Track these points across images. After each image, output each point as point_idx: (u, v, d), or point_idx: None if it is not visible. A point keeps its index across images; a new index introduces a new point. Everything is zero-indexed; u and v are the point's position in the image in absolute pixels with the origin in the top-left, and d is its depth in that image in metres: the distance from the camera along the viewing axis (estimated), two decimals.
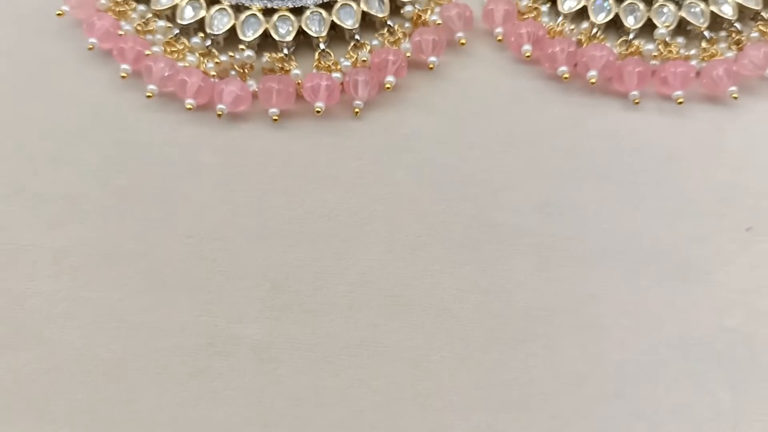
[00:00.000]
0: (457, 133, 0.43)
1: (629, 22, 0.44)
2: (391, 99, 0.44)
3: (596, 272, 0.39)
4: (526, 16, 0.45)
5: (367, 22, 0.45)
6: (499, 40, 0.44)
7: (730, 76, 0.43)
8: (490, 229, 0.40)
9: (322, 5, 0.44)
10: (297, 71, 0.43)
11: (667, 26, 0.44)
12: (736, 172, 0.42)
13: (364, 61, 0.43)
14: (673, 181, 0.42)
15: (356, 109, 0.43)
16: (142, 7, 0.45)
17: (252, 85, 0.43)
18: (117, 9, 0.44)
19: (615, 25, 0.45)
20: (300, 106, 0.43)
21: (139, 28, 0.44)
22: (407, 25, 0.45)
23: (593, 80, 0.43)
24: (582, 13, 0.45)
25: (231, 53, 0.43)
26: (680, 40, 0.45)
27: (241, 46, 0.43)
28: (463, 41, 0.44)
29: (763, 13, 0.45)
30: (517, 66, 0.45)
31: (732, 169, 0.42)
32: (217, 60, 0.43)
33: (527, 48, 0.43)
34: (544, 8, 0.45)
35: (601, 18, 0.44)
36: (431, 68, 0.43)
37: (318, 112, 0.42)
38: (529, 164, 0.42)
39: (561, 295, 0.39)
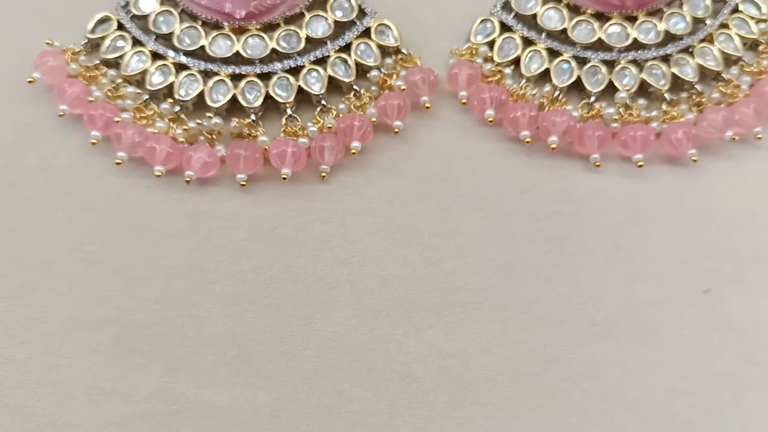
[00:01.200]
0: (422, 196, 0.43)
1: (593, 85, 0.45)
2: (357, 162, 0.44)
3: (556, 336, 0.40)
4: (490, 80, 0.45)
5: (334, 85, 0.45)
6: (464, 103, 0.45)
7: (689, 139, 0.43)
8: (453, 292, 0.41)
9: (290, 71, 0.45)
10: (264, 138, 0.43)
11: (628, 90, 0.45)
12: (695, 233, 0.43)
13: (329, 127, 0.44)
14: (633, 243, 0.42)
15: (323, 173, 0.43)
16: (112, 72, 0.45)
17: (220, 150, 0.43)
18: (88, 74, 0.45)
19: (577, 88, 0.46)
20: (267, 170, 0.43)
21: (109, 93, 0.44)
22: (373, 88, 0.45)
23: (554, 146, 0.43)
24: (545, 75, 0.46)
25: (199, 120, 0.44)
26: (641, 101, 0.45)
27: (209, 114, 0.44)
28: (427, 105, 0.44)
29: (723, 75, 0.46)
30: (481, 128, 0.45)
31: (691, 231, 0.43)
32: (185, 126, 0.44)
33: (490, 113, 0.44)
34: (508, 71, 0.46)
35: (563, 81, 0.45)
36: (396, 132, 0.44)
37: (284, 178, 0.42)
38: (492, 227, 0.43)
39: (521, 358, 0.40)
